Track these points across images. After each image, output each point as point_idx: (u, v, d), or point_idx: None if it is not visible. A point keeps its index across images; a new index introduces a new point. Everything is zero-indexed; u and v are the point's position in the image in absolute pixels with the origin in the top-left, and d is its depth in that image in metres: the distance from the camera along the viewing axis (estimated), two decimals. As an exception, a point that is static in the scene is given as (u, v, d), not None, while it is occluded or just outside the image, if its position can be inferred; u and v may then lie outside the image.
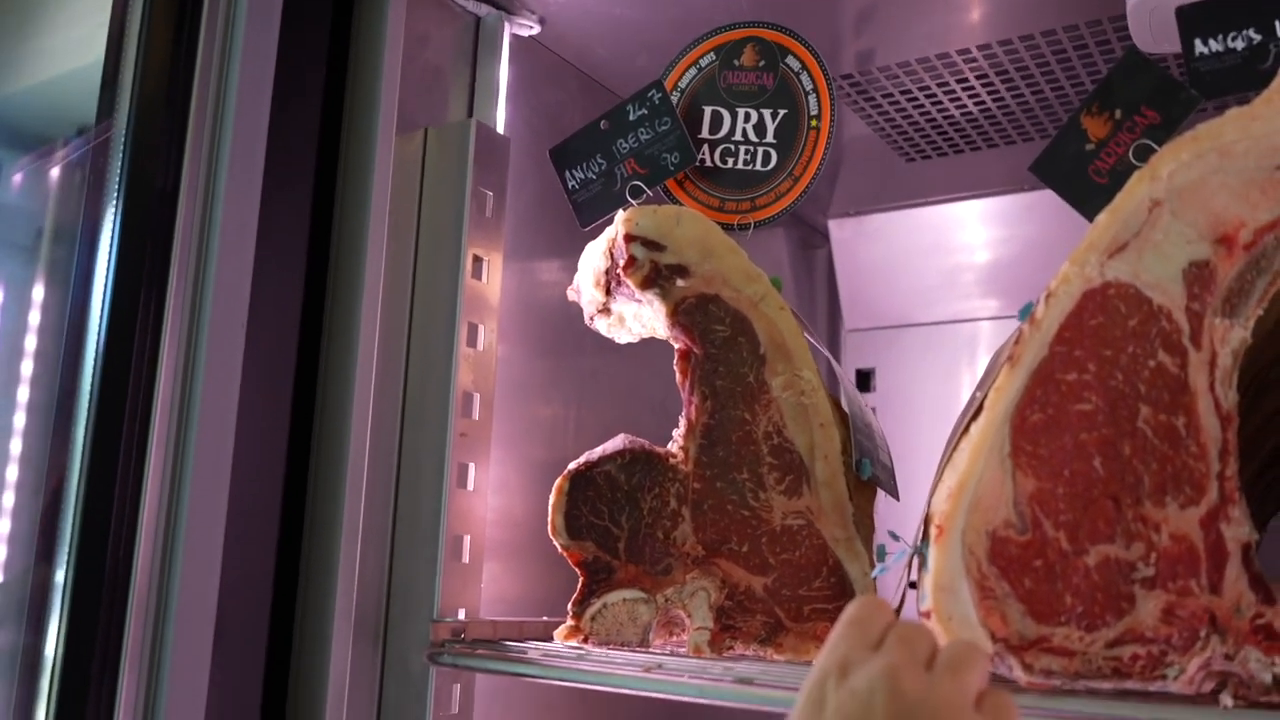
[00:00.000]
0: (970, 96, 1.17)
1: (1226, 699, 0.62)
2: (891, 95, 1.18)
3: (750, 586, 0.83)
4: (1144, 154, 0.75)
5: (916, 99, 1.19)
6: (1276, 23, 0.73)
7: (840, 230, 1.57)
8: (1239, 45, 0.74)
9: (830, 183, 1.51)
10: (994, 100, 1.17)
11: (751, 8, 1.01)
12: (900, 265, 1.55)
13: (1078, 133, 0.77)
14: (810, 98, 0.88)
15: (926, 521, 0.69)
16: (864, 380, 1.59)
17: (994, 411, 0.68)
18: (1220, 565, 0.64)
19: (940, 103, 1.19)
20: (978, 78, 1.12)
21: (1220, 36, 0.74)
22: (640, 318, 0.92)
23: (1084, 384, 0.67)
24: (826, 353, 0.95)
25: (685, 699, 0.68)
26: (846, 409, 0.86)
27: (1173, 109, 0.74)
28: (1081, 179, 0.77)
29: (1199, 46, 0.75)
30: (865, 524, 0.85)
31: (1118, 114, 0.76)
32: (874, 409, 1.59)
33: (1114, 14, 0.99)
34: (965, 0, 1.02)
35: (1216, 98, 0.73)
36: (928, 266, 1.54)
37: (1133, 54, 0.76)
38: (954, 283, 1.54)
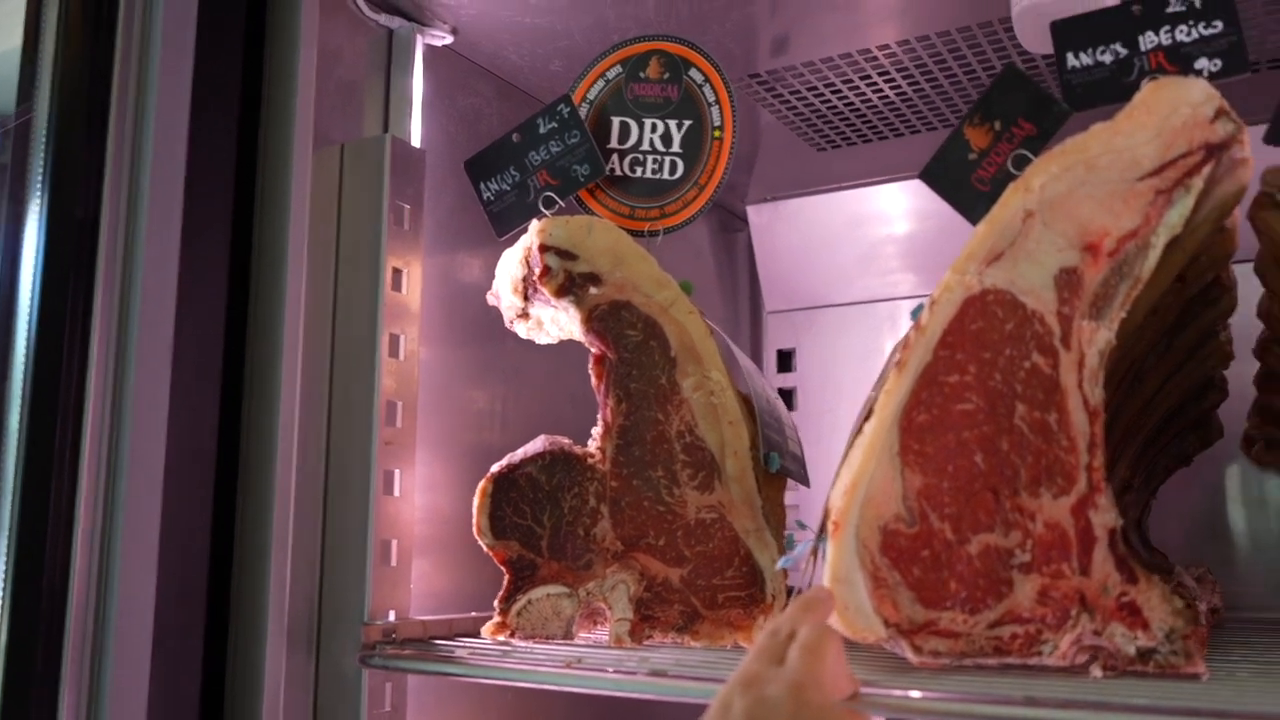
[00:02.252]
0: (874, 91, 1.22)
1: (1096, 670, 0.68)
2: (799, 91, 1.22)
3: (667, 578, 0.87)
4: (1021, 163, 0.80)
5: (823, 94, 1.23)
6: (1140, 38, 0.78)
7: (758, 216, 1.62)
8: (1107, 59, 0.79)
9: (748, 170, 1.55)
10: (897, 94, 1.22)
11: (659, 16, 1.04)
12: (817, 248, 1.60)
13: (961, 143, 0.82)
14: (713, 109, 0.92)
15: (825, 517, 0.74)
16: (785, 360, 1.64)
17: (884, 413, 0.73)
18: (1089, 549, 0.69)
19: (846, 97, 1.24)
20: (880, 74, 1.17)
21: (1090, 50, 0.79)
22: (558, 322, 0.96)
23: (965, 385, 0.72)
24: (743, 357, 1.00)
25: (603, 693, 0.73)
26: (756, 405, 0.90)
27: (1046, 121, 0.79)
28: (965, 186, 0.82)
29: (1070, 60, 0.80)
30: (775, 514, 0.90)
31: (997, 125, 0.81)
32: (795, 389, 1.65)
33: (1004, 16, 1.04)
34: (867, 4, 1.06)
35: (1087, 109, 0.78)
36: (844, 248, 1.59)
37: (1010, 70, 0.81)
38: (869, 263, 1.59)
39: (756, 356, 1.67)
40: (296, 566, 0.85)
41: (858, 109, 1.27)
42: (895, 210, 1.53)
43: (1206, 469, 1.20)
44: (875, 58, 1.13)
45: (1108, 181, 0.72)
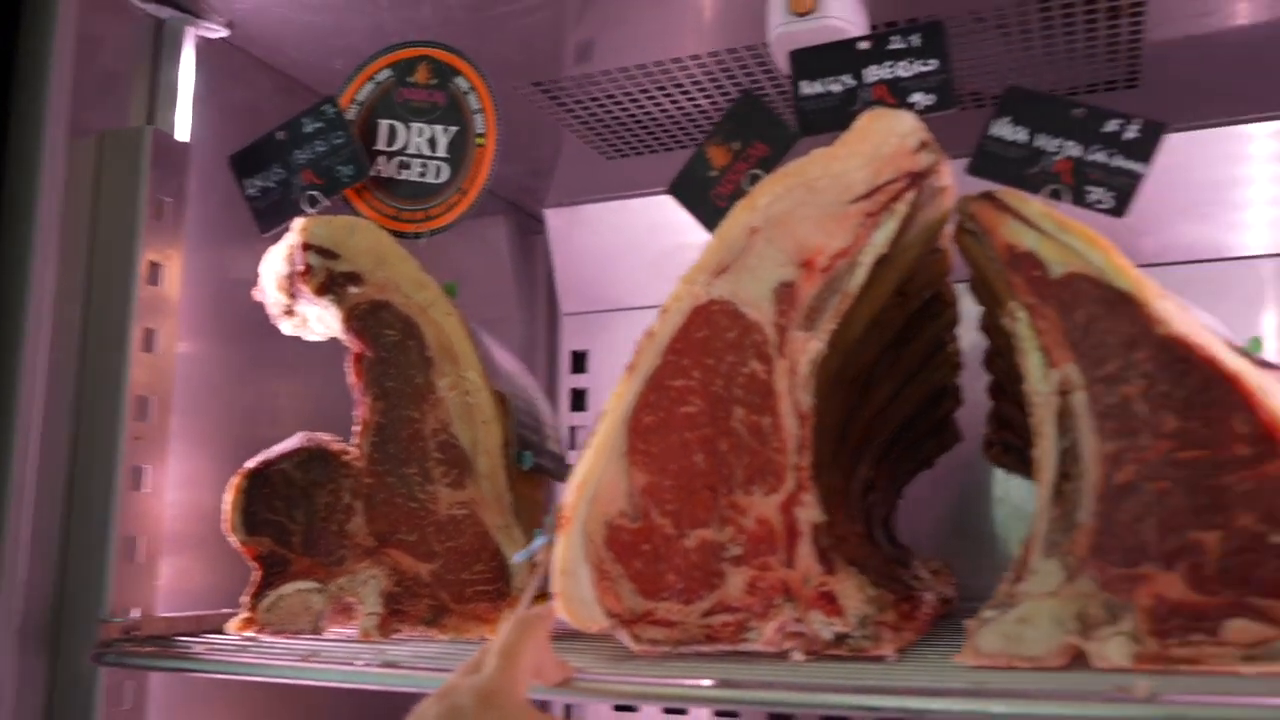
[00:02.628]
0: (671, 102, 1.26)
1: (797, 654, 0.73)
2: (583, 101, 1.26)
3: (418, 573, 0.89)
4: (756, 182, 0.85)
5: (607, 105, 1.27)
6: (865, 71, 0.85)
7: (556, 219, 1.65)
8: (837, 89, 0.85)
9: (547, 175, 1.58)
10: (693, 105, 1.27)
11: (436, 22, 1.06)
12: (613, 253, 1.64)
13: (703, 160, 0.87)
14: (477, 117, 0.94)
15: (557, 513, 0.77)
16: (579, 362, 1.67)
17: (614, 414, 0.77)
18: (794, 543, 0.75)
19: (631, 109, 1.28)
20: (675, 86, 1.21)
21: (823, 79, 0.85)
22: (323, 319, 0.97)
23: (690, 389, 0.77)
24: (509, 358, 1.03)
25: (337, 685, 0.74)
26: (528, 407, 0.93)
27: (778, 143, 0.85)
28: (706, 202, 0.87)
29: (805, 87, 0.86)
30: (529, 511, 0.93)
31: (736, 145, 0.86)
32: (588, 390, 1.69)
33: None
34: (647, 19, 1.10)
35: (817, 134, 0.84)
36: (639, 254, 1.63)
37: (747, 96, 0.86)
38: (663, 269, 1.62)
39: (551, 358, 1.70)
40: (34, 564, 0.84)
41: (647, 120, 1.32)
42: (689, 219, 1.58)
43: (953, 470, 1.29)
44: (669, 70, 1.18)
45: (824, 203, 0.78)
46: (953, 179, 0.79)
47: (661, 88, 1.22)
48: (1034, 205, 0.73)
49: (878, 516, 1.22)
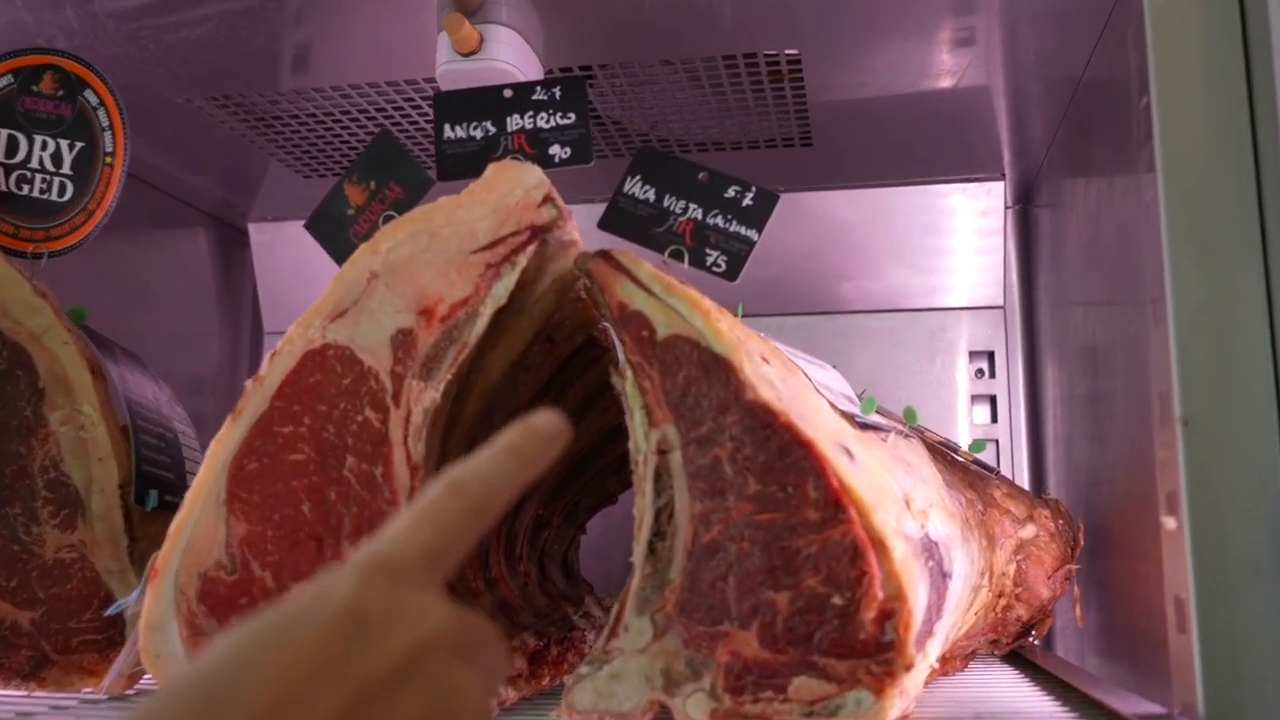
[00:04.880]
0: (357, 126, 1.23)
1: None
2: (265, 119, 1.21)
3: (17, 621, 0.83)
4: (391, 224, 0.84)
5: (293, 125, 1.23)
6: (508, 119, 0.85)
7: (259, 234, 1.59)
8: (479, 135, 0.85)
9: (247, 189, 1.52)
10: (397, 129, 1.24)
11: (83, 28, 0.99)
12: (318, 271, 1.59)
13: (341, 198, 0.85)
14: (106, 134, 0.89)
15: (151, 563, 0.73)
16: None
17: (213, 461, 0.74)
18: (397, 597, 0.74)
19: (317, 130, 1.25)
20: (351, 113, 1.18)
21: (465, 124, 0.85)
22: (-70, 341, 0.89)
23: (299, 436, 0.75)
24: (157, 387, 0.97)
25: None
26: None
27: (413, 186, 0.84)
28: (343, 240, 0.85)
29: (448, 130, 0.85)
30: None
31: (372, 185, 0.84)
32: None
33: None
34: (336, 42, 1.07)
35: (456, 179, 0.84)
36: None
37: (385, 135, 0.85)
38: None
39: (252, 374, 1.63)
40: None
41: (339, 144, 1.28)
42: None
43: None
44: (354, 95, 1.15)
45: (447, 251, 0.77)
46: (579, 233, 0.80)
47: (346, 112, 1.19)
48: (645, 267, 0.75)
49: (554, 554, 1.22)
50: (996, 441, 1.39)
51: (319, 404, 0.75)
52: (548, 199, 0.78)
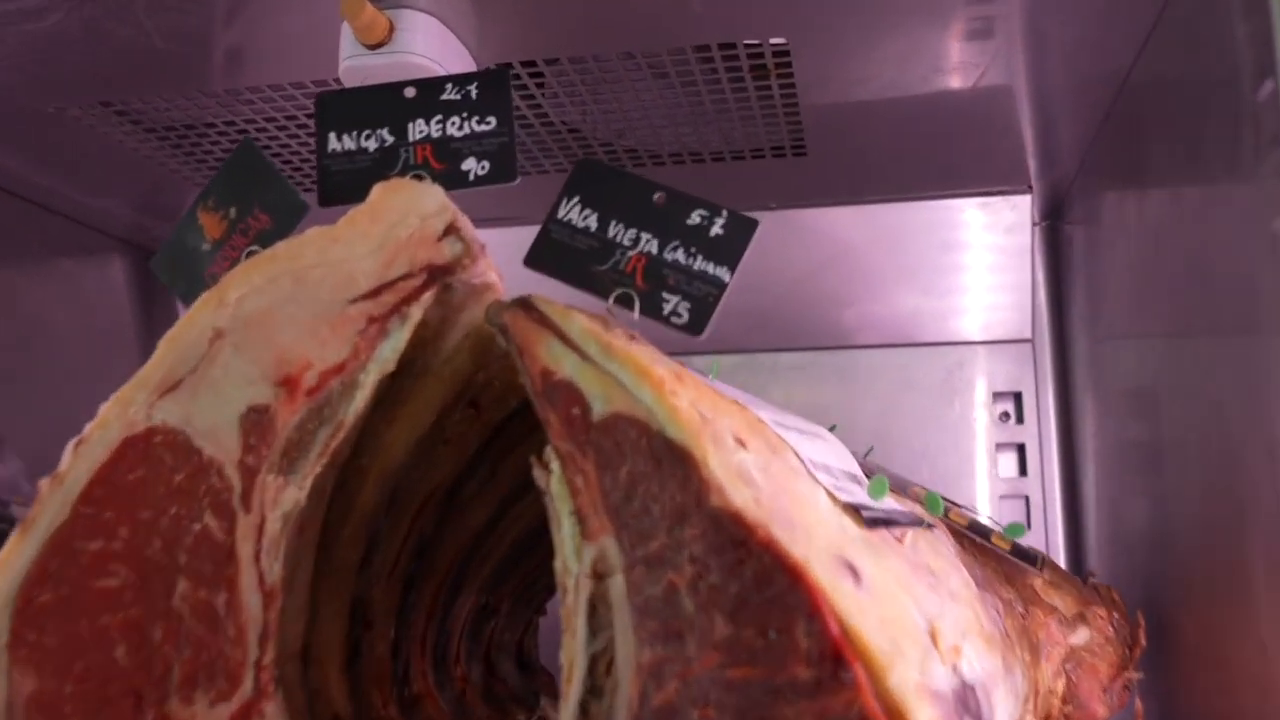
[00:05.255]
0: (268, 137, 1.05)
1: None
2: (162, 134, 1.03)
3: None
4: (256, 263, 0.65)
5: (186, 133, 1.04)
6: (410, 126, 0.66)
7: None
8: (372, 146, 0.66)
9: (169, 211, 1.33)
10: (287, 145, 1.05)
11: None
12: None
13: (195, 228, 0.66)
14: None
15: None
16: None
17: (-8, 592, 0.55)
18: (244, 774, 0.55)
19: (216, 140, 1.06)
20: (266, 120, 1.00)
21: (355, 133, 0.66)
22: None
23: (113, 554, 0.55)
24: None
25: None
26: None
27: (284, 215, 0.65)
28: (198, 283, 0.66)
29: (333, 142, 0.66)
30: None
31: (233, 212, 0.65)
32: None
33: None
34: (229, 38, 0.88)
35: (341, 204, 0.65)
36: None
37: (246, 147, 0.66)
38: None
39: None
40: None
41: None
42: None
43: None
44: (272, 98, 0.96)
45: (318, 301, 0.58)
46: (495, 274, 0.61)
47: (252, 121, 1.00)
48: (578, 320, 0.55)
49: (505, 644, 1.03)
50: (1026, 498, 1.19)
51: (141, 509, 0.56)
52: (452, 230, 0.59)
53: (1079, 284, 1.17)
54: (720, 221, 0.60)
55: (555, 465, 0.55)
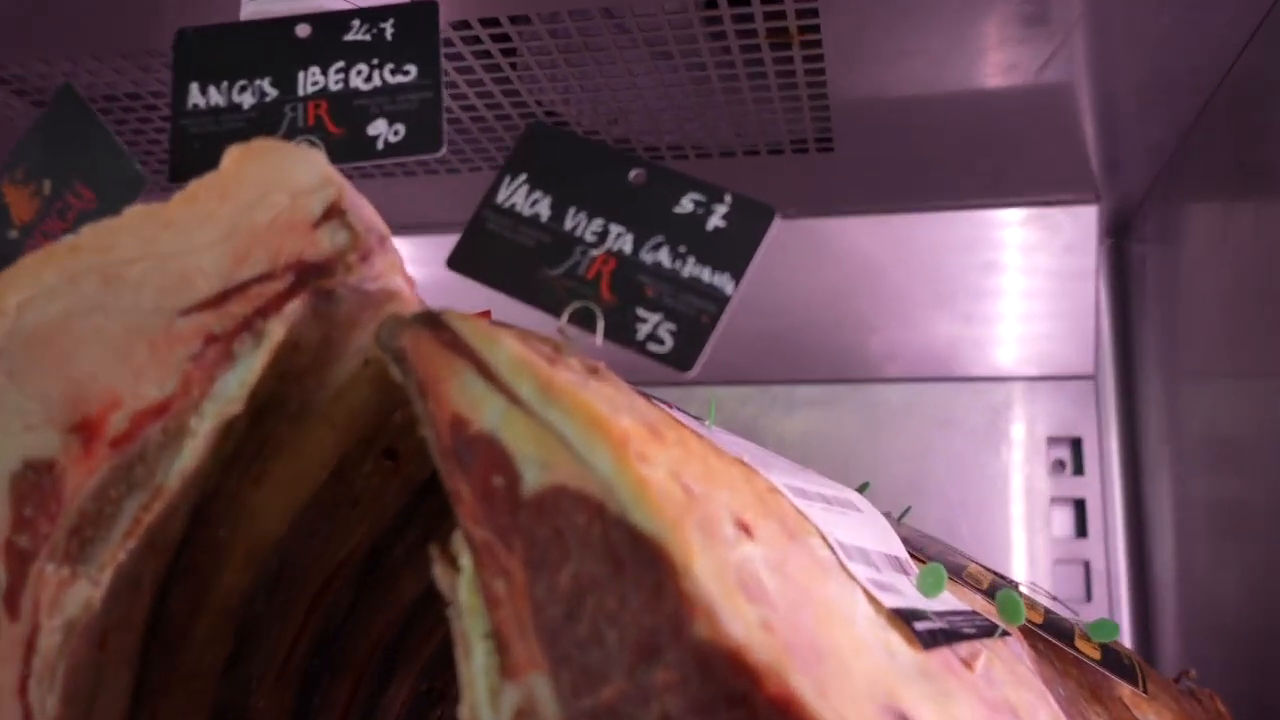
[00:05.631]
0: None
1: None
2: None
3: None
4: (78, 257, 0.47)
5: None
6: (302, 75, 0.48)
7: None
8: (247, 101, 0.48)
9: None
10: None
11: None
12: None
13: (1, 206, 0.48)
14: None
15: None
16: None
17: None
18: None
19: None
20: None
21: (225, 84, 0.48)
22: None
23: None
24: None
25: None
26: None
27: (113, 190, 0.47)
28: (4, 282, 0.48)
29: (195, 95, 0.48)
30: None
31: (47, 187, 0.47)
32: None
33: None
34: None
35: (194, 177, 0.46)
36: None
37: (65, 96, 0.48)
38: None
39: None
40: None
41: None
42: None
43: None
44: (153, 66, 0.79)
45: (135, 310, 0.40)
46: (402, 278, 0.43)
47: (137, 97, 0.83)
48: (509, 346, 0.37)
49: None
50: (1085, 564, 1.00)
51: None
52: (334, 213, 0.41)
53: (1151, 312, 0.99)
54: (721, 210, 0.42)
55: (466, 560, 0.37)
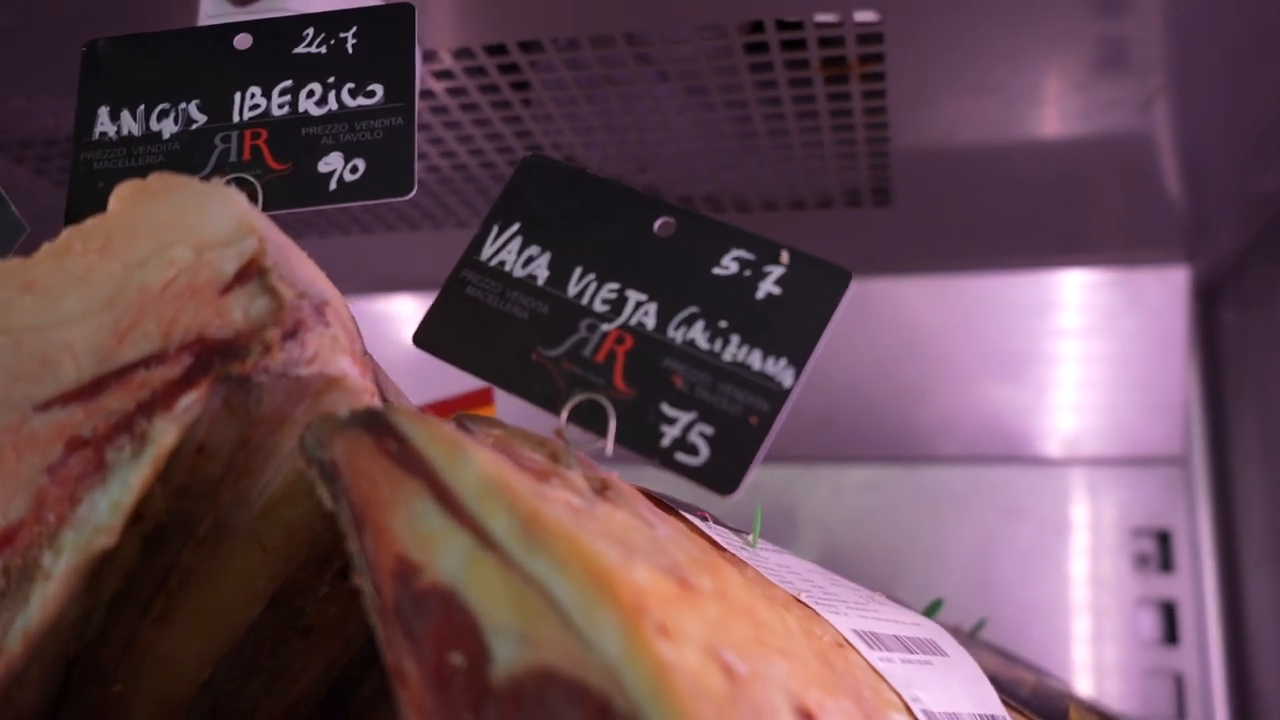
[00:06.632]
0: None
1: None
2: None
3: None
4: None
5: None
6: (238, 95, 0.38)
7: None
8: (169, 128, 0.38)
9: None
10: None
11: None
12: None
13: None
14: None
15: None
16: None
17: None
18: None
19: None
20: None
21: (141, 108, 0.38)
22: None
23: None
24: None
25: None
26: None
27: (-12, 240, 0.36)
28: None
29: (102, 121, 0.38)
30: None
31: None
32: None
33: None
34: None
35: (75, 222, 0.36)
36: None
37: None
38: None
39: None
40: None
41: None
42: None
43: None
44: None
45: (-21, 403, 0.29)
46: (353, 363, 0.32)
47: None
48: (477, 461, 0.26)
49: None
50: (1177, 677, 0.87)
51: None
52: (251, 270, 0.30)
53: (1248, 387, 0.87)
54: (777, 272, 0.31)
55: (410, 776, 0.26)
